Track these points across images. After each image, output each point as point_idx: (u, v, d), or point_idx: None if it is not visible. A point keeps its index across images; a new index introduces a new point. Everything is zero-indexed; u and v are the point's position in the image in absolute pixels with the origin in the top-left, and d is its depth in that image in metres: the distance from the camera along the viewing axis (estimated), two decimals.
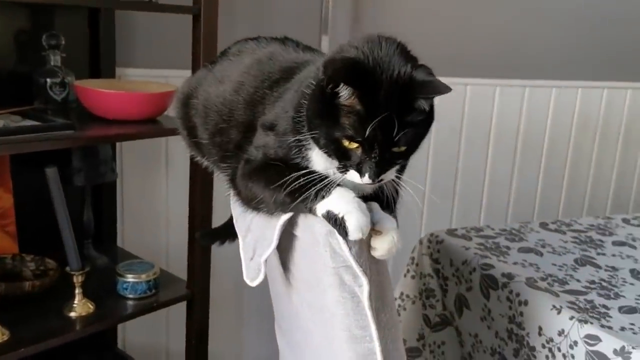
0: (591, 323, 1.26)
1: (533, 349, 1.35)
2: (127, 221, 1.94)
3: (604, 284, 1.47)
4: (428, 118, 0.88)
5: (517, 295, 1.40)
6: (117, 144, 1.83)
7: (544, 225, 1.86)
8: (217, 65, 1.23)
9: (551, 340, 1.31)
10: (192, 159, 1.30)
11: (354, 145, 0.86)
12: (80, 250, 1.44)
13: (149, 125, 1.54)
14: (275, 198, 0.93)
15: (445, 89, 0.83)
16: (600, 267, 1.57)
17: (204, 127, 1.15)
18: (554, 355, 1.30)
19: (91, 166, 1.64)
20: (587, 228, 1.86)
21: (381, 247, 0.89)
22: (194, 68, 1.51)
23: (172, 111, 1.32)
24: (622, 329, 1.25)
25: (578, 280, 1.48)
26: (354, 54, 0.88)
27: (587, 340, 1.24)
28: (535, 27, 2.50)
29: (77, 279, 1.38)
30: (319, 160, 0.92)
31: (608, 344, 1.20)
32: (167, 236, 2.04)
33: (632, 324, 1.27)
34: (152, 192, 2.00)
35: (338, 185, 0.88)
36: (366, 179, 0.86)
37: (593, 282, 1.48)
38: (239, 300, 2.26)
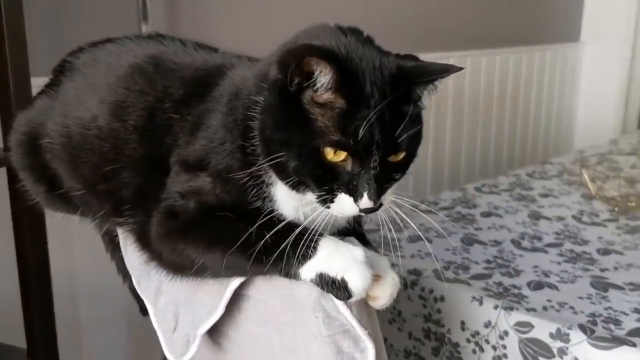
0: (517, 309, 1.22)
1: (456, 345, 1.29)
2: None
3: (499, 261, 1.46)
4: (420, 117, 0.71)
5: (431, 291, 1.32)
6: None
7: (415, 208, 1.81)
8: (62, 85, 0.90)
9: (477, 333, 1.25)
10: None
11: (341, 155, 0.65)
12: None
13: None
14: (226, 262, 0.70)
15: (454, 68, 0.68)
16: (485, 244, 1.57)
17: (73, 173, 0.85)
18: (482, 349, 1.25)
19: None
20: (452, 204, 1.85)
21: (384, 294, 0.71)
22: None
23: (13, 160, 0.95)
24: (545, 308, 1.23)
25: (476, 263, 1.45)
26: (317, 43, 0.68)
27: (518, 328, 1.20)
28: None
29: None
30: (285, 198, 0.70)
31: (541, 328, 1.17)
32: None
33: (549, 300, 1.26)
34: None
35: (319, 234, 0.67)
36: (365, 202, 0.66)
37: (489, 261, 1.46)
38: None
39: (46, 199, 0.93)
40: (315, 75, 0.64)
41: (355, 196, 0.66)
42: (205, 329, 0.79)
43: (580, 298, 1.28)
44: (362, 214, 0.69)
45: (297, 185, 0.68)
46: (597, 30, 3.45)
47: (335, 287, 0.65)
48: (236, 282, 0.73)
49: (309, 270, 0.66)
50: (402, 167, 0.70)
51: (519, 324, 1.20)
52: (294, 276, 0.67)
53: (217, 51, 0.87)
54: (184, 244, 0.72)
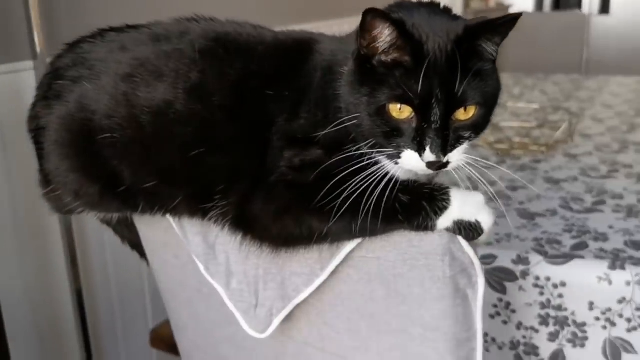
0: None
1: None
2: None
3: None
4: (494, 72, 0.76)
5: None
6: None
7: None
8: (102, 76, 0.84)
9: None
10: None
11: (406, 112, 0.71)
12: None
13: None
14: (358, 226, 0.73)
15: (514, 16, 0.71)
16: None
17: (144, 165, 0.81)
18: None
19: None
20: None
21: (489, 229, 0.78)
22: None
23: (52, 163, 0.85)
24: (498, 241, 1.42)
25: None
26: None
27: (483, 260, 1.36)
28: None
29: None
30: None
31: (504, 257, 1.35)
32: None
33: (497, 234, 1.45)
34: None
35: (446, 187, 0.74)
36: (428, 156, 0.71)
37: None
38: None
39: (98, 200, 0.86)
40: (378, 34, 0.70)
41: (420, 151, 0.72)
42: (302, 297, 0.82)
43: (518, 228, 1.48)
44: (430, 170, 0.75)
45: (374, 147, 0.73)
46: None
47: (470, 229, 0.73)
48: (351, 244, 0.77)
49: (446, 220, 0.73)
50: (473, 127, 0.75)
51: (483, 257, 1.37)
52: (430, 228, 0.73)
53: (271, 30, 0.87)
54: (309, 214, 0.74)
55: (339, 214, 0.73)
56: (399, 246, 0.77)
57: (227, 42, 0.82)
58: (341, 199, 0.72)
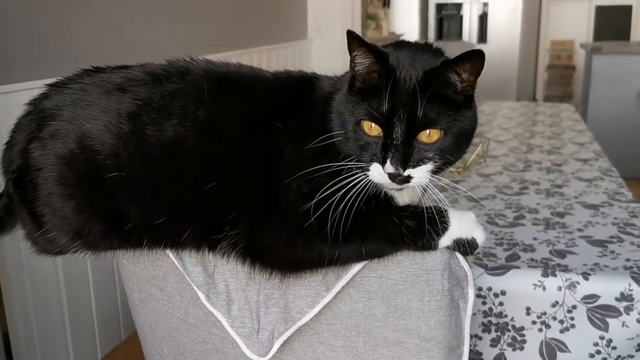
0: None
1: None
2: None
3: None
4: (468, 108, 0.82)
5: None
6: None
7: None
8: (102, 105, 0.86)
9: None
10: None
11: (375, 130, 0.79)
12: None
13: None
14: (365, 249, 0.79)
15: (481, 52, 0.77)
16: None
17: (154, 201, 0.82)
18: None
19: None
20: None
21: (482, 242, 0.86)
22: None
23: (59, 206, 0.84)
24: None
25: None
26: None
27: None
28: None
29: None
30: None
31: None
32: None
33: None
34: None
35: (445, 209, 0.82)
36: (388, 167, 0.78)
37: None
38: None
39: (100, 239, 0.85)
40: (357, 57, 0.79)
41: (383, 163, 0.79)
42: (307, 319, 0.86)
43: None
44: (394, 184, 0.79)
45: (355, 160, 0.81)
46: (320, 28, 3.96)
47: (467, 245, 0.81)
48: (358, 266, 0.82)
49: (447, 239, 0.81)
50: (438, 151, 0.81)
51: None
52: (433, 247, 0.81)
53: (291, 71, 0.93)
54: (319, 240, 0.78)
55: (349, 238, 0.79)
56: (401, 264, 0.84)
57: (231, 81, 0.86)
58: (348, 222, 0.77)
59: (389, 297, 0.86)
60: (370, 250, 0.81)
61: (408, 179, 0.79)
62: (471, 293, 0.87)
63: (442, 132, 0.80)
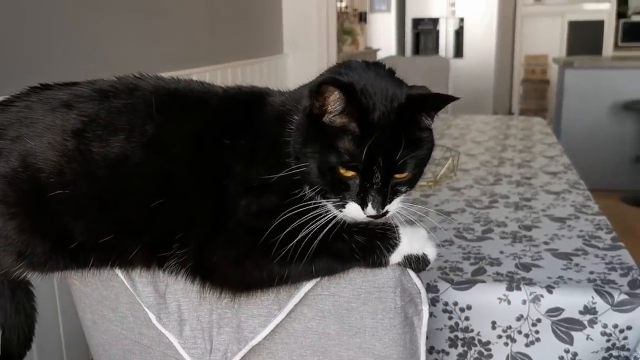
0: None
1: None
2: None
3: None
4: (430, 139, 0.85)
5: None
6: None
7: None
8: (47, 123, 0.84)
9: None
10: None
11: (351, 172, 0.79)
12: None
13: None
14: (316, 268, 0.78)
15: (451, 98, 0.82)
16: None
17: (100, 218, 0.80)
18: None
19: None
20: None
21: (433, 258, 0.86)
22: None
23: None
24: None
25: None
26: (338, 77, 0.81)
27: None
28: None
29: None
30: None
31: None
32: None
33: None
34: None
35: (395, 225, 0.81)
36: (370, 211, 0.80)
37: None
38: None
39: (44, 259, 0.83)
40: (329, 98, 0.77)
41: (362, 205, 0.79)
42: (260, 339, 0.85)
43: None
44: (370, 219, 0.82)
45: (320, 192, 0.80)
46: (295, 43, 3.98)
47: (418, 261, 0.80)
48: (309, 284, 0.81)
49: (397, 255, 0.80)
50: (409, 182, 0.84)
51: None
52: (384, 264, 0.80)
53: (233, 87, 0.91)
54: (271, 259, 0.77)
55: (298, 257, 0.78)
56: (353, 282, 0.82)
57: (181, 97, 0.85)
58: (296, 241, 0.77)
59: (342, 315, 0.85)
60: (321, 267, 0.79)
61: (386, 213, 0.80)
62: (425, 310, 0.86)
63: (413, 166, 0.83)
